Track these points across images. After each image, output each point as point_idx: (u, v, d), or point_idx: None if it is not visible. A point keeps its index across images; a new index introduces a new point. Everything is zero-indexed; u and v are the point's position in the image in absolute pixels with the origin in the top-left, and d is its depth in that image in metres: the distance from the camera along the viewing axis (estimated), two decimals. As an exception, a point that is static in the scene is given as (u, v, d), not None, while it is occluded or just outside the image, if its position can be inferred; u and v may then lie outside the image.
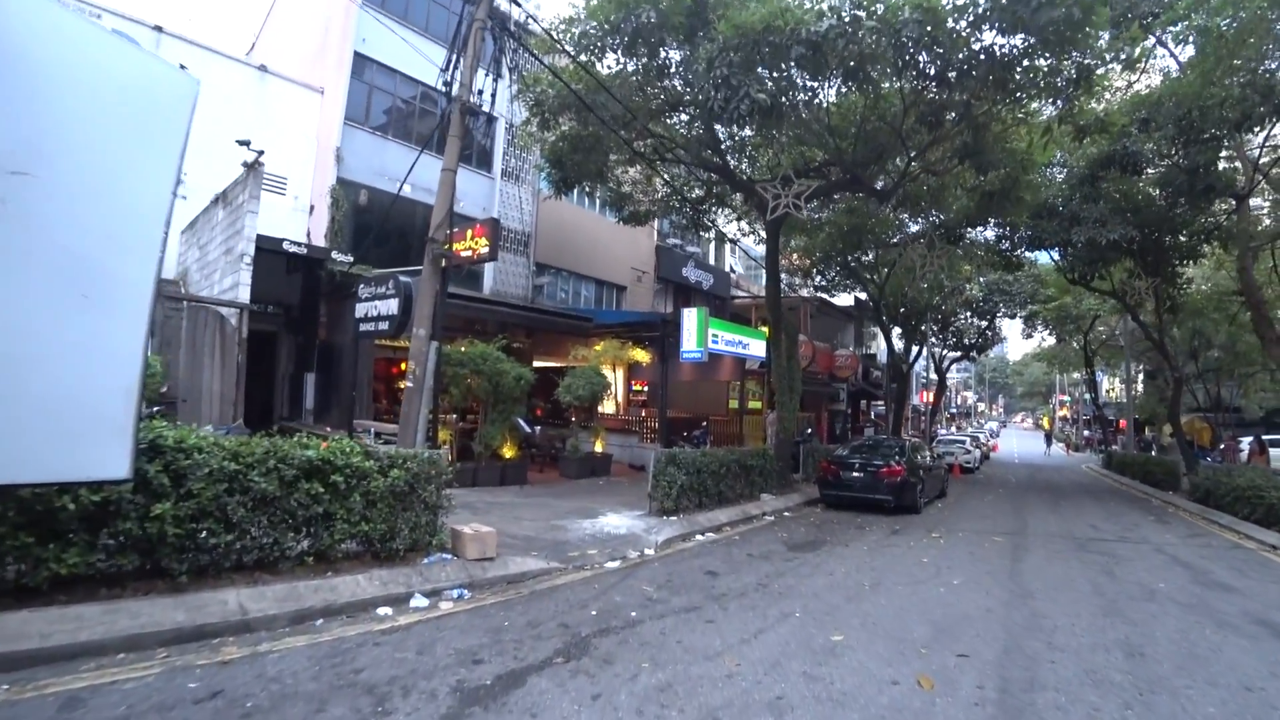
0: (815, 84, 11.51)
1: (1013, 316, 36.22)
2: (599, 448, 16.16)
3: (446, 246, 9.63)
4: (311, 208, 17.52)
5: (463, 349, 12.53)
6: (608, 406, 21.24)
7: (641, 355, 18.73)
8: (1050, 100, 12.27)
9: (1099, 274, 20.51)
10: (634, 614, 6.08)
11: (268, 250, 14.98)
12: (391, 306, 11.44)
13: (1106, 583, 8.50)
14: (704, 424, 18.89)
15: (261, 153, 11.16)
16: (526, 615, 5.93)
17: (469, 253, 11.42)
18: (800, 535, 10.95)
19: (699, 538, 10.08)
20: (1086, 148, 17.41)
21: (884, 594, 7.36)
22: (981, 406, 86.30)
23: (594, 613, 6.07)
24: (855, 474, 14.00)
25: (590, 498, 12.41)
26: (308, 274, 17.57)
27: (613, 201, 20.49)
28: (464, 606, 6.11)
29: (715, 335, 17.03)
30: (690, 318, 16.76)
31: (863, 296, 32.34)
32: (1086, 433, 47.81)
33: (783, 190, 12.04)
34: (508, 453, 13.40)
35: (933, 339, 34.24)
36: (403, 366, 12.89)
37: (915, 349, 33.73)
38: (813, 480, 17.20)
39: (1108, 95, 17.06)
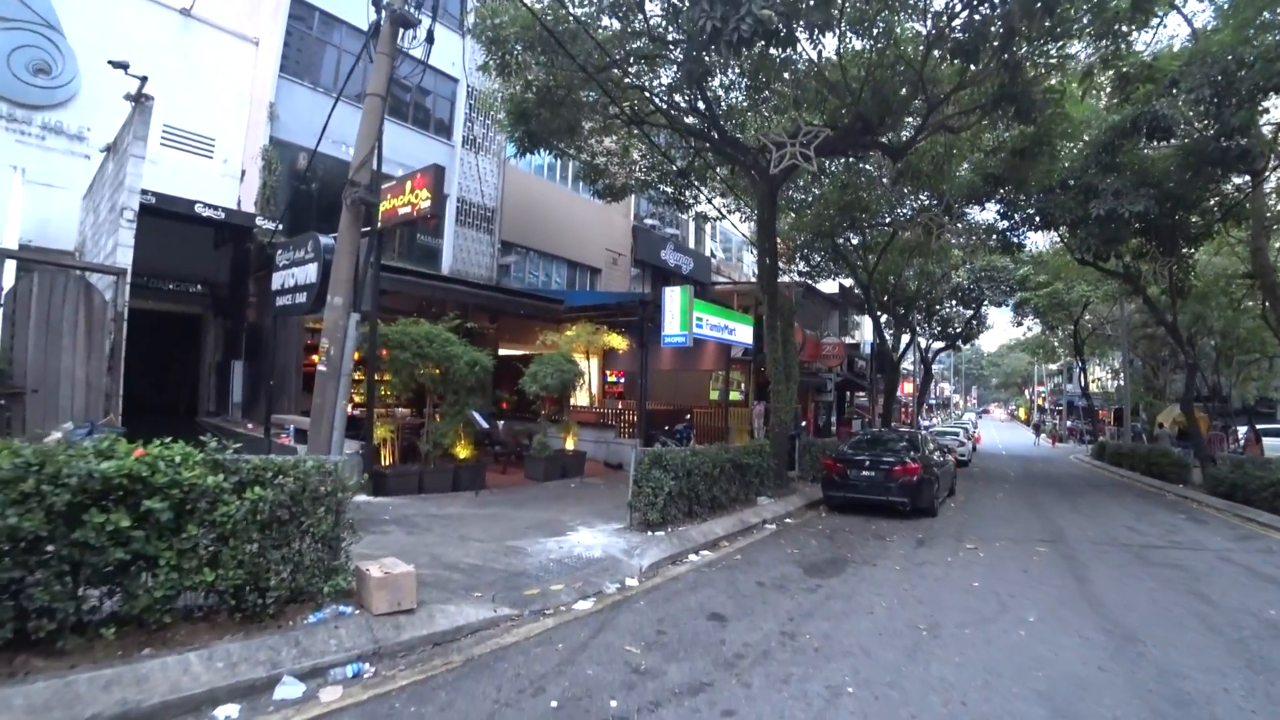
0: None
1: (999, 305, 34.80)
2: (570, 445, 14.04)
3: (370, 192, 7.43)
4: (243, 173, 15.11)
5: (407, 328, 10.33)
6: (581, 398, 19.12)
7: (618, 341, 16.64)
8: (1094, 39, 10.43)
9: (1110, 254, 18.81)
10: (614, 703, 4.00)
11: (184, 218, 12.67)
12: (310, 273, 9.22)
13: (1208, 611, 6.67)
14: (688, 417, 16.87)
15: (145, 80, 8.85)
16: (450, 712, 3.83)
17: (408, 208, 9.22)
18: (814, 551, 8.95)
19: (693, 558, 8.04)
20: (1111, 114, 15.70)
21: (951, 643, 5.37)
22: (957, 398, 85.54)
23: (554, 704, 3.97)
24: (865, 473, 12.07)
25: (559, 506, 10.29)
26: (237, 248, 15.21)
27: (586, 174, 18.36)
28: (357, 696, 3.98)
29: (700, 319, 14.99)
30: (673, 298, 14.71)
31: (848, 283, 30.57)
32: (1069, 423, 46.76)
33: (788, 140, 9.99)
34: (462, 452, 11.24)
35: (918, 328, 32.56)
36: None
37: (905, 338, 32.07)
38: (810, 479, 15.30)
39: (1141, 43, 15.30)
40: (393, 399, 11.98)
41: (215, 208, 12.27)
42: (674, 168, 18.60)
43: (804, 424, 21.35)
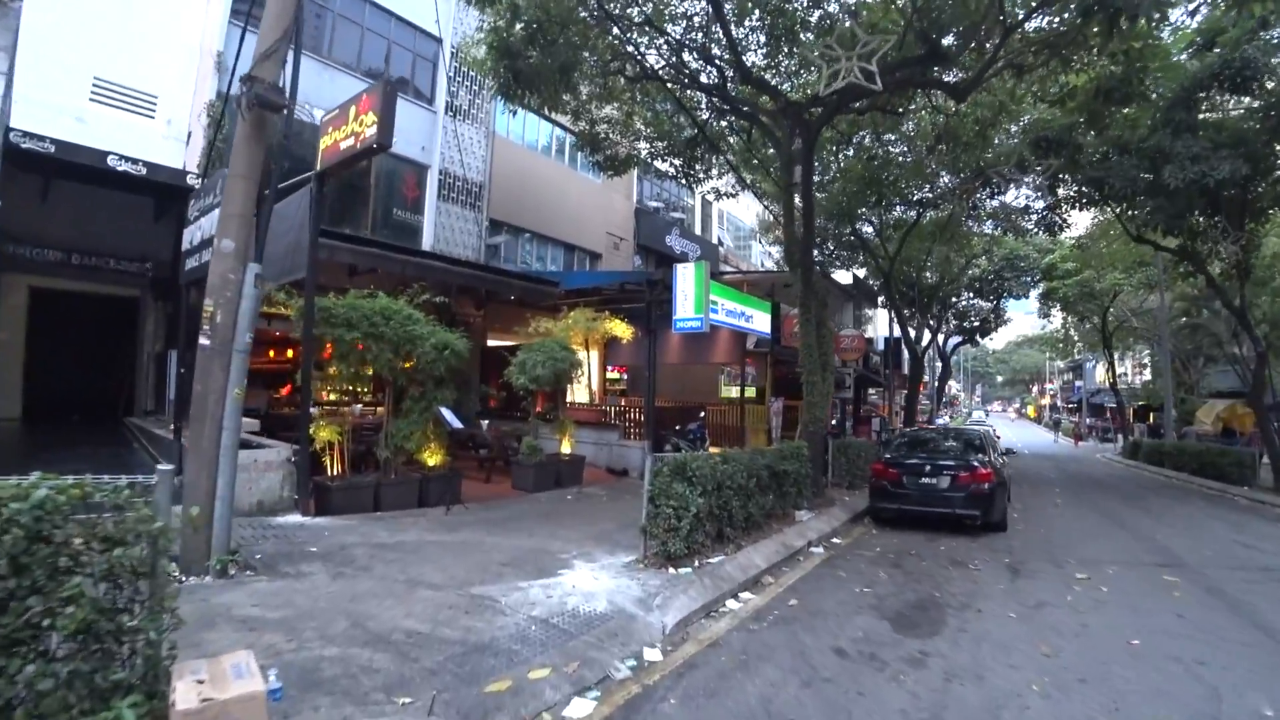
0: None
1: (1018, 297, 32.54)
2: (567, 448, 11.72)
3: (277, 92, 5.17)
4: (190, 134, 12.80)
5: (356, 301, 8.04)
6: (579, 394, 16.84)
7: (621, 329, 14.37)
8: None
9: (1178, 230, 16.50)
10: None
11: (98, 176, 10.40)
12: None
13: None
14: (701, 415, 14.55)
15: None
16: None
17: (350, 140, 6.94)
18: (887, 588, 6.65)
19: (732, 606, 5.74)
20: (1191, 61, 13.48)
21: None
22: (961, 396, 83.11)
23: None
24: (925, 480, 9.76)
25: (550, 527, 7.98)
26: (180, 218, 12.90)
27: (584, 142, 16.11)
28: None
29: (714, 303, 12.71)
30: (686, 276, 12.42)
31: (861, 274, 28.31)
32: (1089, 420, 44.50)
33: (843, 54, 7.69)
34: (431, 459, 8.93)
35: (932, 320, 30.28)
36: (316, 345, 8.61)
37: (927, 331, 29.77)
38: (845, 485, 13.02)
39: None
40: (344, 393, 9.71)
41: (134, 161, 9.98)
42: (683, 137, 16.36)
43: (834, 422, 19.04)
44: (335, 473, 8.31)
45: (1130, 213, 16.96)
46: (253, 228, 5.25)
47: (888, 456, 10.49)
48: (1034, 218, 19.60)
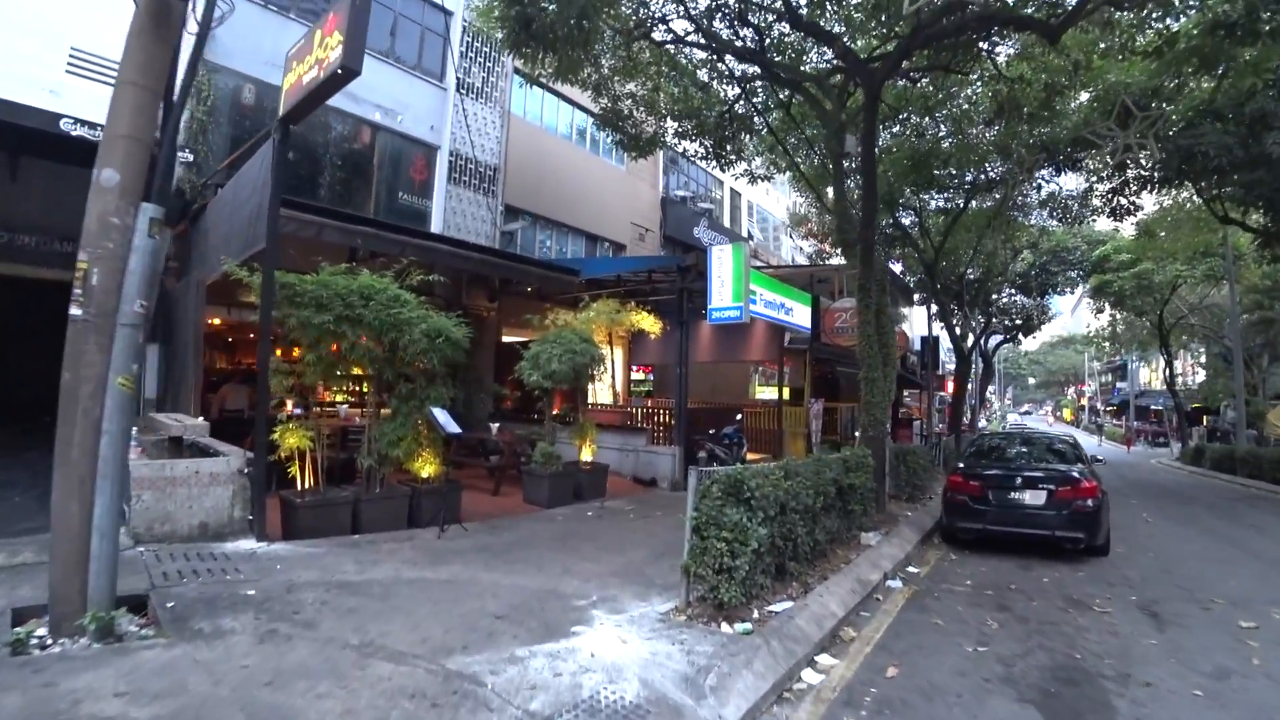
0: None
1: (1063, 292, 30.37)
2: (587, 455, 10.12)
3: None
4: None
5: (329, 278, 6.56)
6: (601, 394, 15.29)
7: (648, 322, 12.79)
8: None
9: (1268, 208, 14.53)
10: None
11: (69, 147, 9.05)
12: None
13: None
14: (738, 418, 12.88)
15: None
16: None
17: (314, 71, 5.46)
18: (1004, 643, 4.96)
19: (811, 680, 4.12)
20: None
21: None
22: (994, 398, 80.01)
23: None
24: (1015, 495, 8.03)
25: (566, 556, 6.38)
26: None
27: (606, 120, 14.57)
28: None
29: (753, 292, 11.10)
30: (724, 260, 10.82)
31: (897, 269, 26.42)
32: (1135, 423, 41.91)
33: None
34: (424, 469, 7.42)
35: (980, 317, 28.27)
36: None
37: (975, 328, 27.78)
38: (905, 497, 11.28)
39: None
40: (329, 390, 8.25)
41: (93, 126, 8.60)
42: (713, 114, 14.76)
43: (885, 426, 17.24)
44: (307, 486, 6.82)
45: (1218, 190, 15.00)
46: (148, 155, 3.76)
47: (965, 467, 8.76)
48: (1098, 200, 17.66)
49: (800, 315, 14.24)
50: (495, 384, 13.87)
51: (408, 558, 5.92)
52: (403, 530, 6.96)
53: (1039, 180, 17.32)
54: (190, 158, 10.01)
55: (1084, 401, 62.90)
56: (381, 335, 6.65)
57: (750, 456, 12.95)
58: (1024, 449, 9.36)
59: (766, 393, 19.23)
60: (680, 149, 15.96)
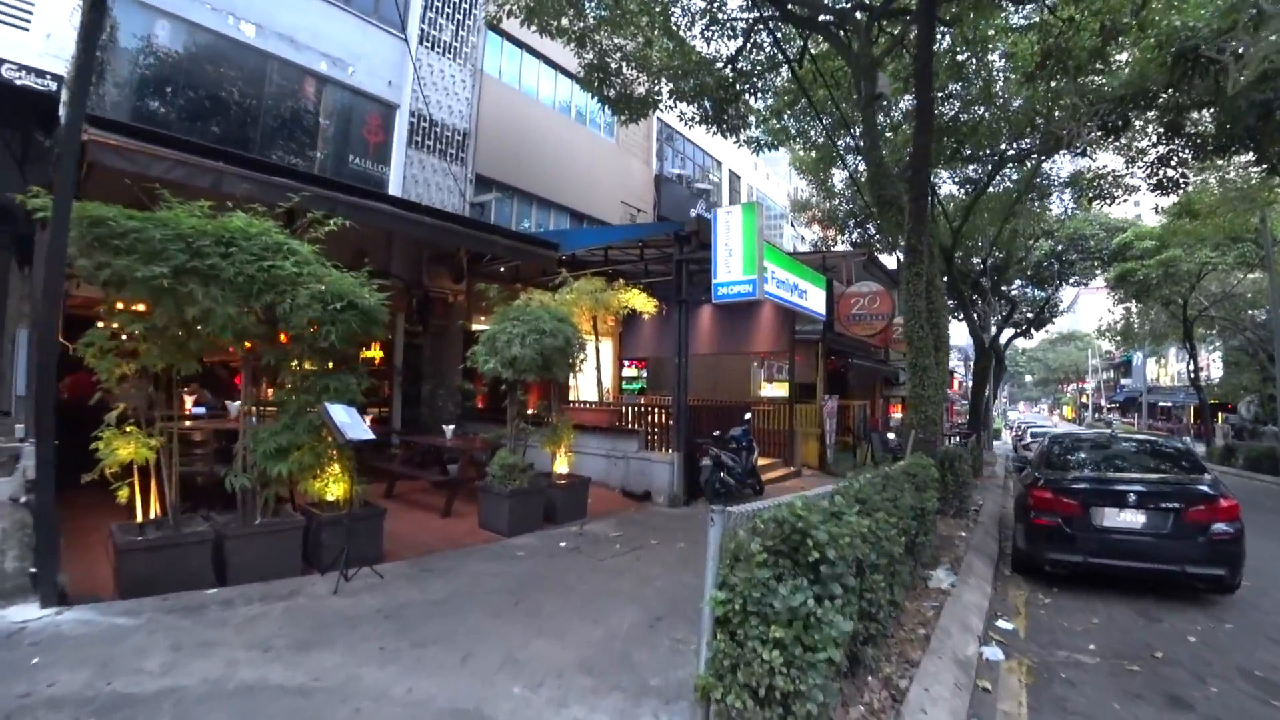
0: None
1: (1079, 283, 28.44)
2: (563, 465, 7.92)
3: None
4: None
5: (178, 215, 4.42)
6: (588, 392, 13.16)
7: (642, 301, 10.70)
8: None
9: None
10: None
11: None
12: None
13: None
14: (748, 416, 10.72)
15: None
16: None
17: None
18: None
19: None
20: None
21: None
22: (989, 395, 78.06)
23: None
24: (1128, 516, 5.92)
25: (512, 630, 4.18)
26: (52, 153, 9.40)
27: (592, 75, 12.50)
28: None
29: (765, 269, 8.98)
30: (732, 225, 8.71)
31: (889, 261, 24.37)
32: (1148, 421, 39.94)
33: None
34: (329, 491, 5.27)
35: (1000, 307, 26.27)
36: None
37: (996, 319, 25.78)
38: (951, 514, 9.16)
39: None
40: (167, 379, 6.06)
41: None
42: (712, 75, 12.68)
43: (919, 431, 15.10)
44: (153, 516, 4.67)
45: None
46: None
47: (1053, 478, 6.63)
48: (1141, 172, 15.61)
49: (815, 300, 12.14)
50: (464, 381, 11.78)
51: (267, 634, 3.77)
52: (292, 578, 4.82)
53: (1078, 148, 15.25)
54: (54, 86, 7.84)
55: (1085, 399, 61.00)
56: (251, 299, 4.50)
57: (760, 462, 10.87)
58: (1124, 453, 7.25)
59: (771, 389, 17.14)
60: (676, 112, 13.83)
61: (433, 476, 8.33)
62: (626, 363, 16.76)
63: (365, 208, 8.13)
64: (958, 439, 16.29)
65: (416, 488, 8.47)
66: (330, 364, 5.14)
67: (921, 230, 7.56)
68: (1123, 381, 51.51)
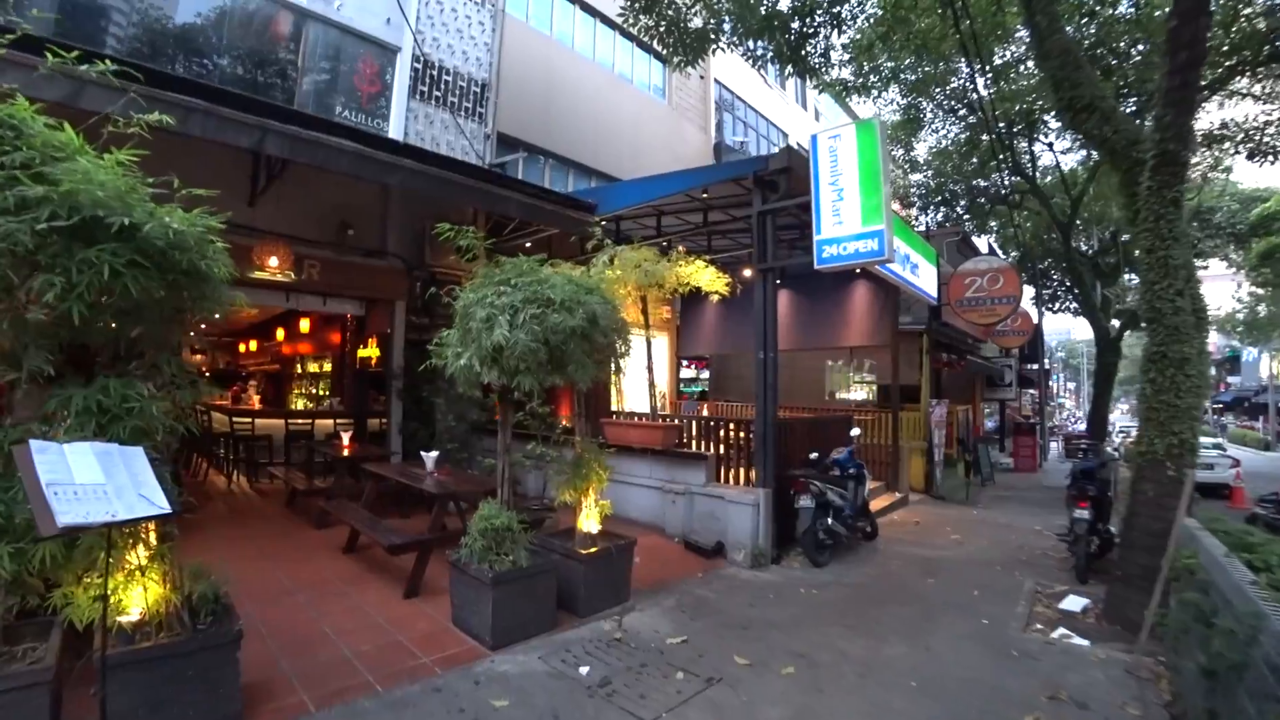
0: None
1: (1203, 265, 24.04)
2: (592, 520, 4.98)
3: None
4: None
5: None
6: (634, 398, 10.40)
7: (711, 277, 7.84)
8: None
9: None
10: None
11: None
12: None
13: None
14: (854, 433, 7.66)
15: None
16: None
17: None
18: None
19: None
20: None
21: None
22: (1059, 392, 71.57)
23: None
24: None
25: None
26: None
27: (631, 10, 9.83)
28: None
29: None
30: (841, 151, 5.78)
31: (980, 244, 20.75)
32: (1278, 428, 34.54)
33: None
34: (124, 603, 2.62)
35: (1127, 291, 22.23)
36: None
37: (1118, 308, 21.81)
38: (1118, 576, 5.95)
39: None
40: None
41: None
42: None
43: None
44: None
45: None
46: None
47: None
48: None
49: (926, 278, 9.07)
50: (486, 394, 9.11)
51: None
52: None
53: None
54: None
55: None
56: None
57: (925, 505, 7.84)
58: None
59: (854, 393, 14.01)
60: (741, 51, 10.91)
61: (398, 523, 5.65)
62: (684, 362, 13.90)
63: (308, 141, 5.53)
64: (1083, 454, 12.42)
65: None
66: (72, 355, 2.48)
67: (1186, 119, 4.47)
68: (1229, 379, 45.63)
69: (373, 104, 9.45)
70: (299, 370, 12.99)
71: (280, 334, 13.04)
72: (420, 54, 9.78)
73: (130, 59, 6.33)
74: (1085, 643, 4.40)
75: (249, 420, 9.45)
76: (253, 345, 15.38)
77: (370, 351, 9.69)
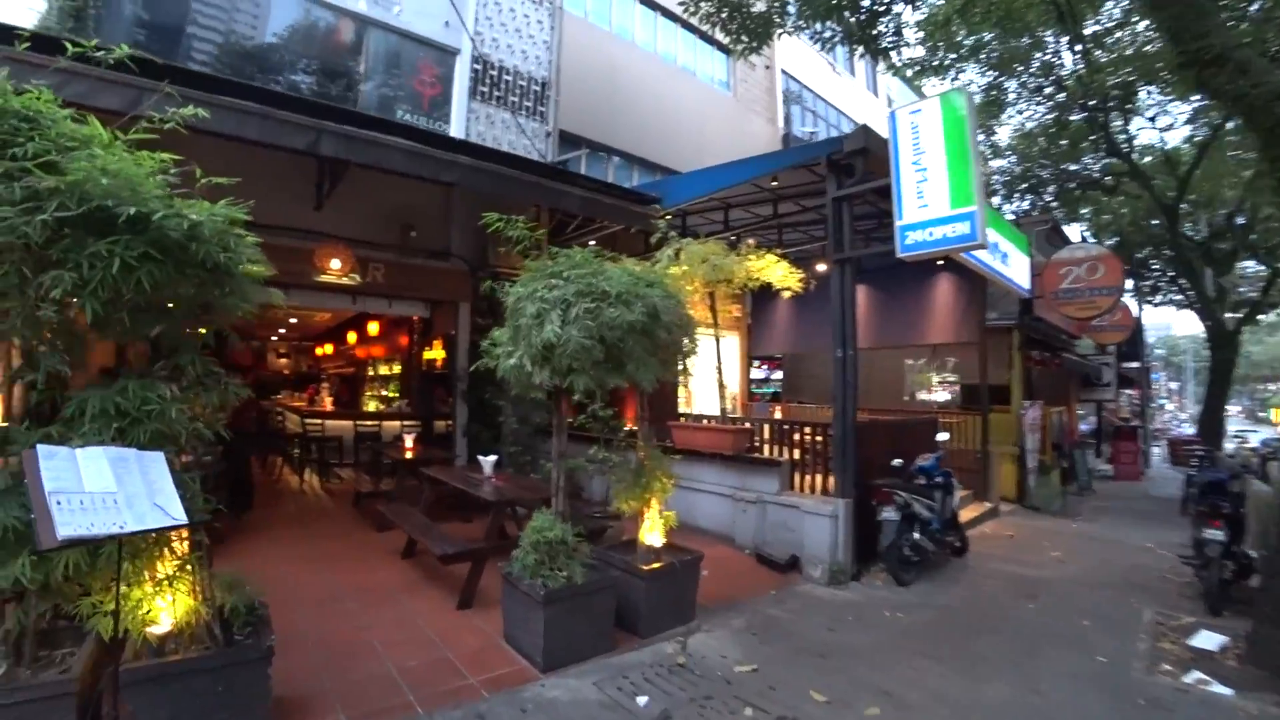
0: None
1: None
2: (655, 533, 4.64)
3: None
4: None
5: None
6: (703, 400, 9.99)
7: (783, 272, 7.36)
8: None
9: None
10: None
11: None
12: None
13: None
14: (942, 437, 7.01)
15: None
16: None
17: None
18: None
19: None
20: None
21: None
22: (1163, 392, 66.26)
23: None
24: None
25: None
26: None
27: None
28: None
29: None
30: (924, 126, 5.24)
31: (1071, 233, 19.22)
32: None
33: None
34: (152, 613, 2.45)
35: (1242, 280, 20.21)
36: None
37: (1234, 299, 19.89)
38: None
39: None
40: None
41: None
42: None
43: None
44: None
45: None
46: None
47: None
48: None
49: (1017, 268, 8.28)
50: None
51: None
52: None
53: None
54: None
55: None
56: None
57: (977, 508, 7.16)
58: None
59: (935, 393, 13.12)
60: (809, 33, 10.36)
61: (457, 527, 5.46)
62: (756, 362, 13.39)
63: (363, 141, 5.42)
64: (1199, 462, 10.99)
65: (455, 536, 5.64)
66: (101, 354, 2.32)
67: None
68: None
69: (434, 107, 9.42)
70: (371, 373, 13.21)
71: (352, 337, 13.28)
72: (479, 55, 9.71)
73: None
74: (1228, 691, 3.72)
75: (319, 421, 9.59)
76: (329, 349, 15.81)
77: (436, 353, 9.67)
